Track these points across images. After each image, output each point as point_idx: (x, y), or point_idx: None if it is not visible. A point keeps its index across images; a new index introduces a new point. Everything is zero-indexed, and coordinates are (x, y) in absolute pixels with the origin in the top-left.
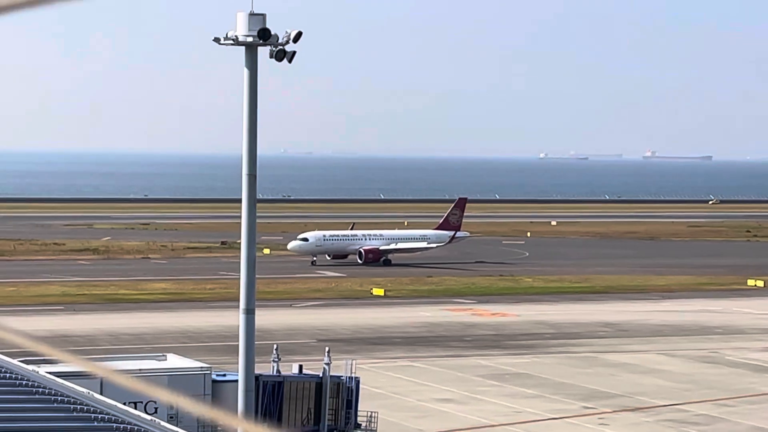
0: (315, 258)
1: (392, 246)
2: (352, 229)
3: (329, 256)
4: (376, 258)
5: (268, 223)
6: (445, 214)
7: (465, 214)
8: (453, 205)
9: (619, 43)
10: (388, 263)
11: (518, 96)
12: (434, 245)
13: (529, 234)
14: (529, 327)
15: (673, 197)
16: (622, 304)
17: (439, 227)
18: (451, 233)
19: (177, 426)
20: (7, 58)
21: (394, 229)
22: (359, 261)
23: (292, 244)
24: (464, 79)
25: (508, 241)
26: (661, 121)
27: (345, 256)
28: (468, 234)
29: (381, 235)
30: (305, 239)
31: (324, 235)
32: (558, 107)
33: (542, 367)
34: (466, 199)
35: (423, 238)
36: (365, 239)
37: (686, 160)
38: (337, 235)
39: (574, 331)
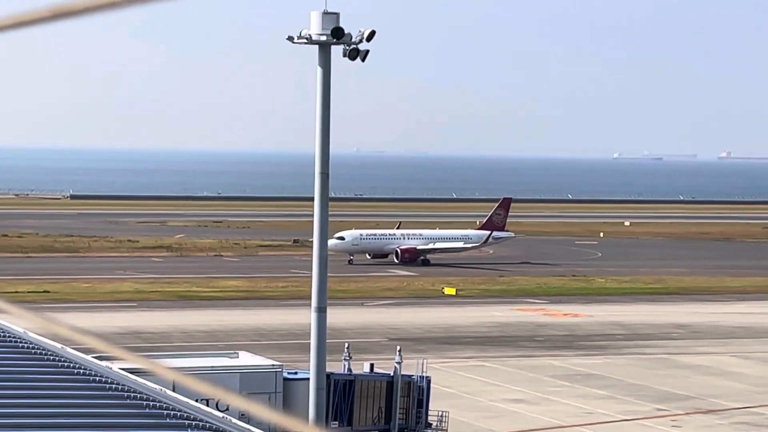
0: (352, 257)
1: (430, 246)
2: (398, 228)
3: (369, 255)
4: (412, 258)
5: (340, 221)
6: (489, 214)
7: (538, 213)
8: (497, 204)
9: (693, 44)
10: (426, 263)
11: (592, 96)
12: (470, 245)
13: (602, 234)
14: (601, 328)
15: (748, 198)
16: (696, 305)
17: (483, 227)
18: (483, 233)
19: (249, 424)
20: (80, 56)
21: (446, 228)
22: (396, 260)
23: (328, 243)
24: (537, 80)
25: (580, 241)
26: (737, 121)
27: (385, 256)
28: (512, 234)
29: (420, 235)
30: (341, 238)
31: (361, 234)
32: (632, 107)
33: (614, 368)
34: (510, 199)
35: (464, 238)
36: (404, 238)
37: (762, 161)
38: (375, 234)
39: (646, 333)
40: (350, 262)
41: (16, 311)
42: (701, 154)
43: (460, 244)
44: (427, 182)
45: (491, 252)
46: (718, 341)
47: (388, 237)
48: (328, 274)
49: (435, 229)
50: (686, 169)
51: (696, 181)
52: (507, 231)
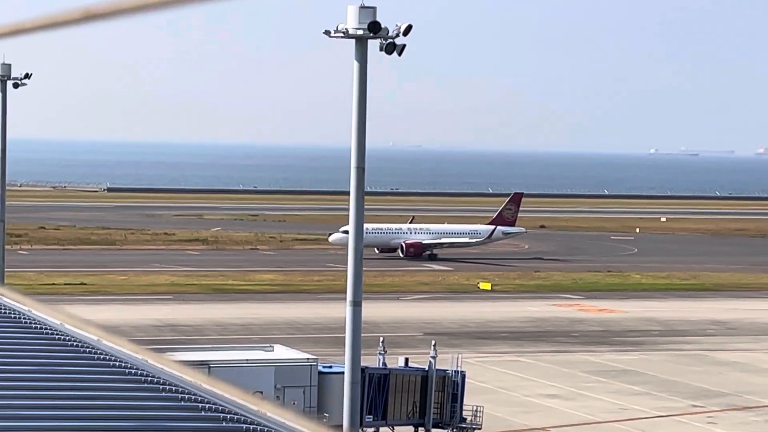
0: None
1: (436, 240)
2: (411, 222)
3: (378, 249)
4: (417, 252)
5: (376, 216)
6: (500, 209)
7: (574, 208)
8: (508, 199)
9: (732, 39)
10: (433, 258)
11: (629, 91)
12: (475, 241)
13: (638, 230)
14: (636, 324)
15: None
16: (732, 302)
17: (493, 222)
18: (491, 228)
19: (286, 419)
20: (117, 49)
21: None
22: (401, 255)
23: (333, 237)
24: (574, 74)
25: (616, 236)
26: None
27: (393, 250)
28: (523, 230)
29: (428, 230)
30: (347, 232)
31: (367, 228)
32: (669, 103)
33: (650, 364)
34: (522, 194)
35: (472, 234)
36: (411, 233)
37: None
38: (381, 228)
39: (682, 329)
40: None
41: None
42: (738, 150)
43: (467, 240)
44: (463, 177)
45: (526, 247)
46: (755, 338)
47: (394, 231)
48: (364, 269)
49: (444, 223)
50: (723, 165)
51: (733, 177)
52: (517, 226)
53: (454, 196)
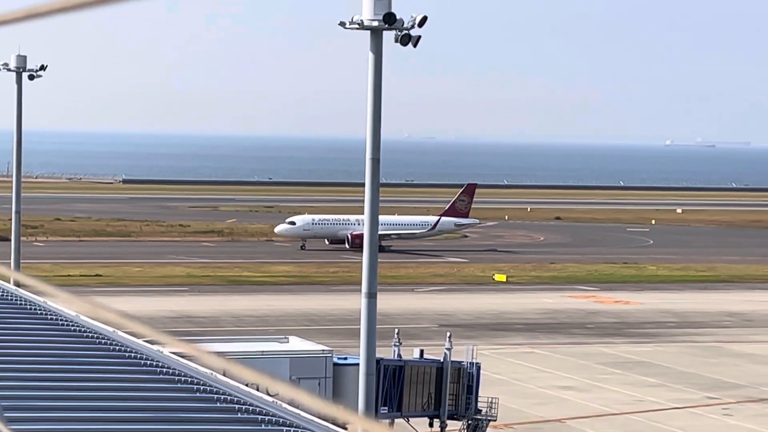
0: (305, 242)
1: (383, 232)
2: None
3: (328, 240)
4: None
5: (391, 207)
6: (452, 200)
7: (589, 200)
8: (461, 191)
9: (748, 32)
10: (382, 249)
11: (645, 83)
12: (419, 232)
13: (653, 221)
14: (652, 315)
15: None
16: (748, 293)
17: (445, 213)
18: (435, 220)
19: (298, 408)
20: (132, 41)
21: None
22: (347, 246)
23: (279, 228)
24: (589, 66)
25: (632, 228)
26: None
27: (343, 241)
28: (477, 221)
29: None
30: (293, 223)
31: (313, 219)
32: (685, 94)
33: (665, 356)
34: (475, 184)
35: (422, 225)
36: (358, 224)
37: None
38: (328, 219)
39: (698, 321)
40: (302, 247)
41: (67, 295)
42: (755, 141)
43: (415, 231)
44: (477, 168)
45: (542, 239)
46: None
47: (341, 222)
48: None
49: (394, 215)
50: (739, 156)
51: (749, 168)
52: (471, 218)
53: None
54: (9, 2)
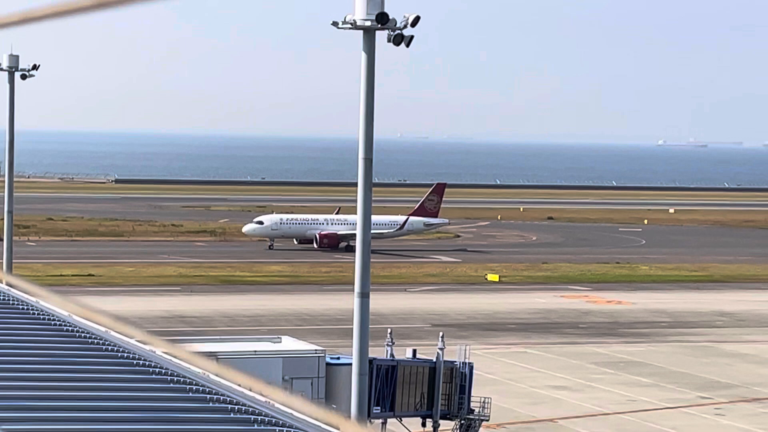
0: (272, 242)
1: (352, 231)
2: (337, 213)
3: (297, 240)
4: (332, 243)
5: (383, 207)
6: (421, 200)
7: (581, 200)
8: (430, 190)
9: (740, 32)
10: (350, 249)
11: (636, 82)
12: (387, 231)
13: (646, 221)
14: (645, 315)
15: None
16: (740, 293)
17: (414, 213)
18: (403, 219)
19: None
20: (124, 40)
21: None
22: (315, 246)
23: (246, 227)
24: (582, 66)
25: (624, 228)
26: None
27: (311, 241)
28: (447, 221)
29: (346, 220)
30: (260, 222)
31: (281, 219)
32: (677, 94)
33: (658, 355)
34: (445, 184)
35: (390, 224)
36: (327, 224)
37: None
38: (296, 219)
39: (690, 320)
40: (270, 247)
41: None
42: (747, 141)
43: (383, 230)
44: (470, 168)
45: (534, 238)
46: (763, 329)
47: (309, 222)
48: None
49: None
50: (731, 156)
51: (741, 168)
52: (440, 218)
53: (460, 187)
54: (3, 5)
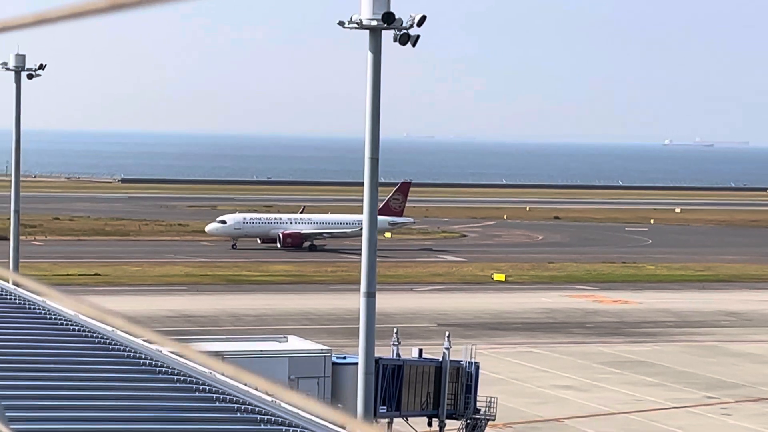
0: (235, 242)
1: (315, 231)
2: (302, 212)
3: (260, 240)
4: (295, 243)
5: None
6: (386, 199)
7: (588, 199)
8: (395, 189)
9: (746, 32)
10: (313, 249)
11: (643, 82)
12: (352, 231)
13: (652, 221)
14: (651, 315)
15: None
16: (747, 293)
17: (379, 212)
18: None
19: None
20: (131, 42)
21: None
22: (278, 245)
23: (209, 227)
24: (589, 66)
25: (631, 227)
26: None
27: (274, 240)
28: (412, 220)
29: (309, 219)
30: (223, 222)
31: (244, 218)
32: (683, 93)
33: (664, 355)
34: (410, 183)
35: (354, 224)
36: (290, 223)
37: None
38: (259, 218)
39: (696, 320)
40: (233, 246)
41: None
42: (753, 141)
43: (347, 230)
44: (477, 168)
45: (541, 238)
46: None
47: (273, 221)
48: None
49: (327, 213)
50: (738, 156)
51: (747, 168)
52: (405, 216)
53: (466, 186)
54: (12, 6)
